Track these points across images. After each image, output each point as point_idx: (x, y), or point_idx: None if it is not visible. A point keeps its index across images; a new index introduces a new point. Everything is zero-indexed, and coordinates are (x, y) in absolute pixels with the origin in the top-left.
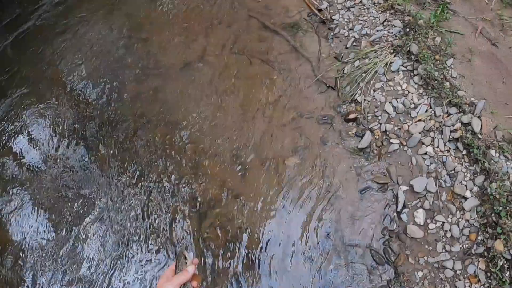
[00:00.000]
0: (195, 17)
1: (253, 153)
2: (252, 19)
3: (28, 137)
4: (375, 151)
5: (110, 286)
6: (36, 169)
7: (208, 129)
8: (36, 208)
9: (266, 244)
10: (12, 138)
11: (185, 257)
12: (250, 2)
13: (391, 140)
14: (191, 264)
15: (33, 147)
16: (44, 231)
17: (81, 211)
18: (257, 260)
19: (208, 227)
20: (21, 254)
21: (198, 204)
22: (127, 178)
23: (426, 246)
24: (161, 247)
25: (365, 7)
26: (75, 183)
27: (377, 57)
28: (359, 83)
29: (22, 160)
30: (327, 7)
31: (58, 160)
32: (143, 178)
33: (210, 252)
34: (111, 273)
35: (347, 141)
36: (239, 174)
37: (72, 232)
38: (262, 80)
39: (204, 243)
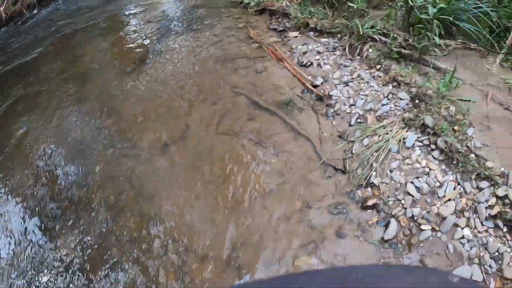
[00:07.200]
0: (174, 94)
1: (254, 253)
2: (240, 96)
3: None
4: (404, 242)
5: None
6: None
7: (195, 223)
8: None
9: None
10: None
11: None
12: (236, 78)
13: (421, 227)
14: None
15: None
16: None
17: None
18: None
19: None
20: None
21: None
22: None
23: None
24: None
25: (364, 81)
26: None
27: (387, 133)
28: (371, 164)
29: None
30: (322, 83)
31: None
32: None
33: None
34: None
35: (369, 233)
36: (238, 281)
37: None
38: (257, 165)
39: None
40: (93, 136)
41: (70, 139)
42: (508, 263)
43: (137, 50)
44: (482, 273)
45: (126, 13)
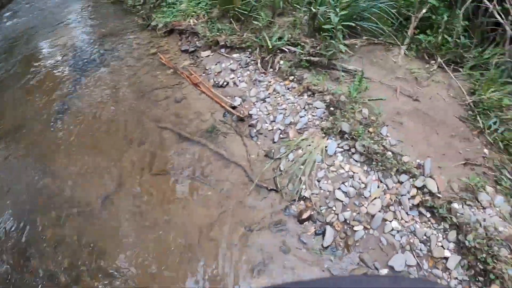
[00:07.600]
0: (101, 141)
1: (210, 286)
2: (165, 131)
3: None
4: (342, 244)
5: None
6: None
7: (155, 271)
8: None
9: None
10: None
11: None
12: (158, 112)
13: (355, 228)
14: None
15: None
16: None
17: None
18: None
19: None
20: None
21: None
22: None
23: None
24: None
25: (280, 95)
26: None
27: (309, 145)
28: (300, 178)
29: None
30: (241, 103)
31: None
32: None
33: None
34: None
35: (309, 243)
36: None
37: None
38: (195, 199)
39: None
40: (33, 200)
41: (13, 207)
42: (436, 244)
43: (57, 96)
44: (414, 257)
45: (36, 58)
